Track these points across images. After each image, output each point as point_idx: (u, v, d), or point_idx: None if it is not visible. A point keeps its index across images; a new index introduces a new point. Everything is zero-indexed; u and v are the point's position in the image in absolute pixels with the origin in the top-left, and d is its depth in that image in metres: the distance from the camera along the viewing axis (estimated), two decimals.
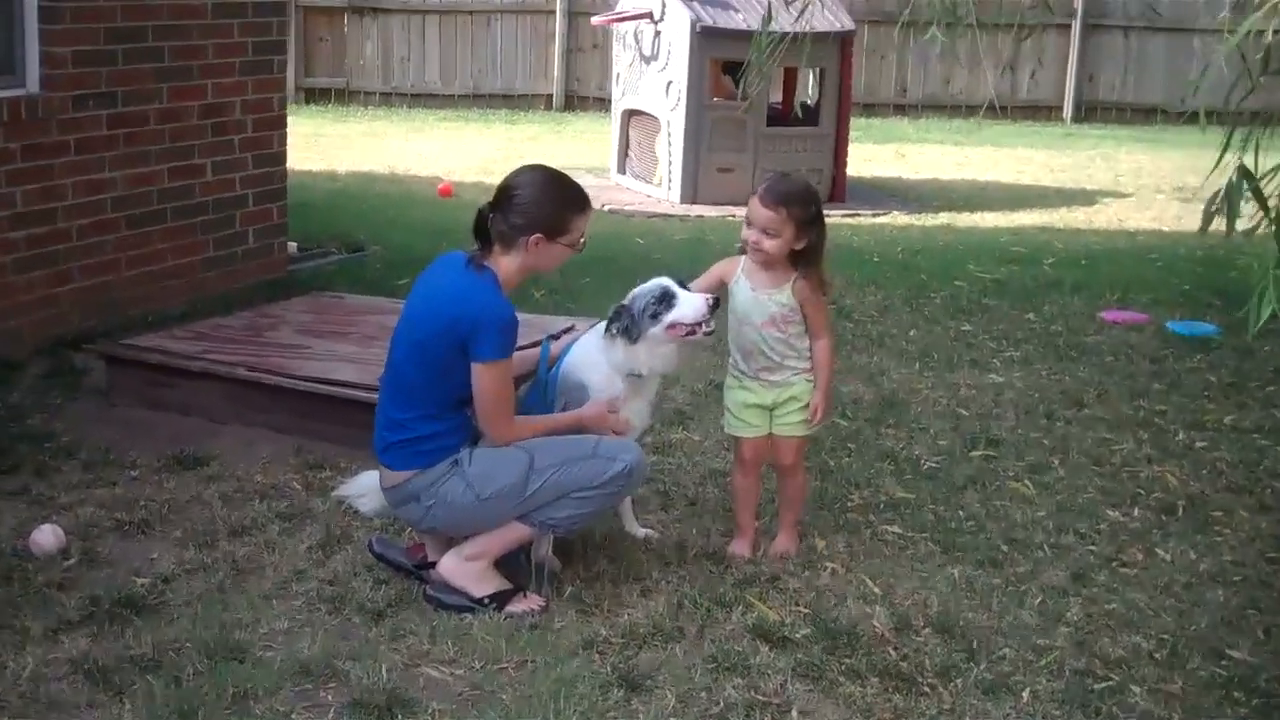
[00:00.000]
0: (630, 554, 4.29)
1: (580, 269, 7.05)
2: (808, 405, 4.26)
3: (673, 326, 4.06)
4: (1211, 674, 3.70)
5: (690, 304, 4.06)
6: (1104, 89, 17.84)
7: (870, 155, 13.67)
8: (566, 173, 4.11)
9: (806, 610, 3.96)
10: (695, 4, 10.75)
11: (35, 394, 5.68)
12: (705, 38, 10.65)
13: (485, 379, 3.82)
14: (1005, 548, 4.46)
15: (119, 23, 6.63)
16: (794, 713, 3.44)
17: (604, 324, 4.16)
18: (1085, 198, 12.15)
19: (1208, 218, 2.84)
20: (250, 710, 3.37)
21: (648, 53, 11.29)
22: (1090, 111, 17.81)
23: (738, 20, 10.57)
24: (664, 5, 10.98)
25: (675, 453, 5.25)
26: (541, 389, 4.22)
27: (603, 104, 15.33)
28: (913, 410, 5.84)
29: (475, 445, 3.94)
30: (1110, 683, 3.63)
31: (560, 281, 7.20)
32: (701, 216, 10.57)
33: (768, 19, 5.00)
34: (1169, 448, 5.49)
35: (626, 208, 10.81)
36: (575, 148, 13.94)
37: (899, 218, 10.89)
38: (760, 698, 3.49)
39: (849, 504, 4.80)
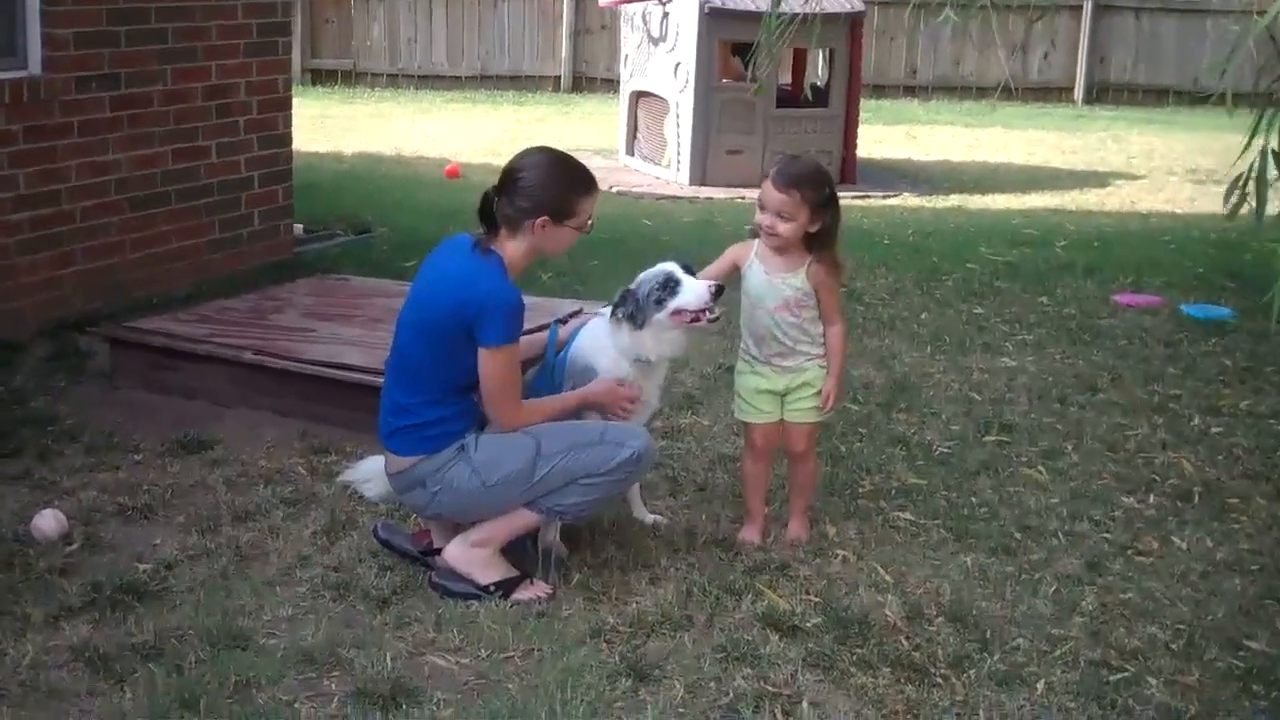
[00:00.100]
0: (638, 540, 4.24)
1: (588, 251, 6.99)
2: (820, 391, 4.20)
3: (677, 313, 4.01)
4: (1229, 665, 3.64)
5: (694, 290, 4.00)
6: (1115, 71, 17.74)
7: (880, 137, 13.59)
8: (574, 154, 4.05)
9: (817, 599, 3.91)
10: None
11: (38, 377, 5.64)
12: (714, 19, 10.57)
13: (491, 364, 3.76)
14: (1019, 535, 4.41)
15: (121, 4, 6.58)
16: (804, 704, 3.38)
17: (610, 308, 4.11)
18: (1097, 180, 12.07)
19: (1238, 200, 2.76)
20: (253, 699, 3.32)
21: (656, 34, 11.21)
22: (1102, 93, 17.71)
23: (746, 2, 10.48)
24: None
25: (684, 437, 5.20)
26: (549, 373, 4.17)
27: (610, 86, 15.25)
28: (924, 394, 5.78)
29: (482, 431, 3.89)
30: (1126, 674, 3.57)
31: (568, 264, 7.14)
32: (710, 198, 10.51)
33: (777, 0, 4.92)
34: (1184, 433, 5.42)
35: (635, 189, 10.75)
36: (583, 129, 13.88)
37: (910, 199, 10.82)
38: (770, 688, 3.44)
39: (860, 490, 4.74)
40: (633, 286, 4.07)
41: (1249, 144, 2.90)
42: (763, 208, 4.10)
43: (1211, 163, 12.59)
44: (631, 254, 6.86)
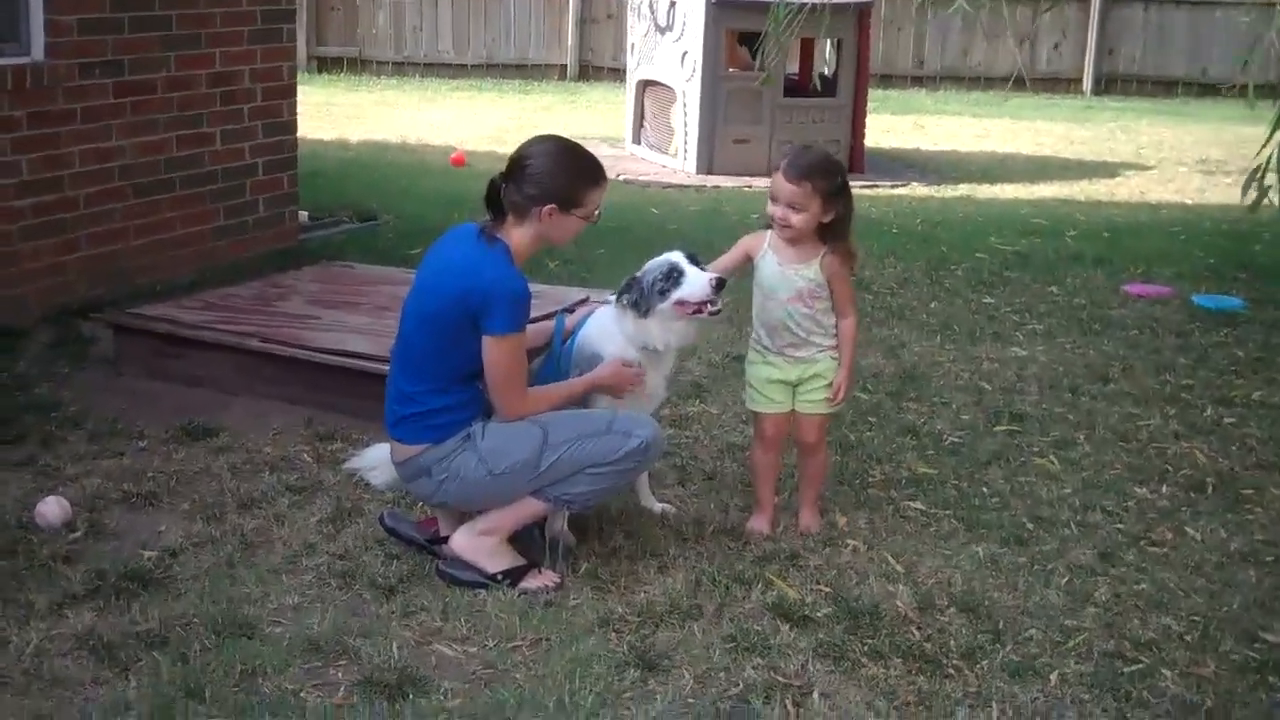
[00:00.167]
0: (647, 530, 4.20)
1: (595, 240, 6.95)
2: (831, 383, 4.16)
3: (680, 303, 3.98)
4: (1244, 657, 3.60)
5: (696, 282, 3.97)
6: (1124, 62, 17.68)
7: (888, 126, 13.54)
8: (581, 143, 4.01)
9: (828, 589, 3.87)
10: None
11: (42, 363, 5.61)
12: (721, 9, 10.53)
13: (496, 352, 3.72)
14: (1030, 525, 4.36)
15: None
16: (815, 695, 3.34)
17: (616, 294, 4.08)
18: (1106, 170, 12.01)
19: (1261, 192, 2.71)
20: (258, 688, 3.29)
21: (663, 23, 11.16)
22: (1110, 84, 17.65)
23: None
24: None
25: (692, 426, 5.16)
26: (556, 361, 4.13)
27: (617, 74, 15.21)
28: (934, 384, 5.74)
29: (488, 419, 3.86)
30: (1140, 665, 3.52)
31: (575, 252, 7.10)
32: (717, 187, 10.47)
33: None
34: (1197, 424, 5.38)
35: (641, 178, 10.71)
36: (589, 118, 13.83)
37: (918, 189, 10.77)
38: (780, 679, 3.40)
39: (870, 480, 4.70)
40: (639, 274, 4.04)
41: (1271, 135, 2.86)
42: (774, 200, 4.05)
43: (1221, 153, 12.53)
44: (638, 242, 6.82)
